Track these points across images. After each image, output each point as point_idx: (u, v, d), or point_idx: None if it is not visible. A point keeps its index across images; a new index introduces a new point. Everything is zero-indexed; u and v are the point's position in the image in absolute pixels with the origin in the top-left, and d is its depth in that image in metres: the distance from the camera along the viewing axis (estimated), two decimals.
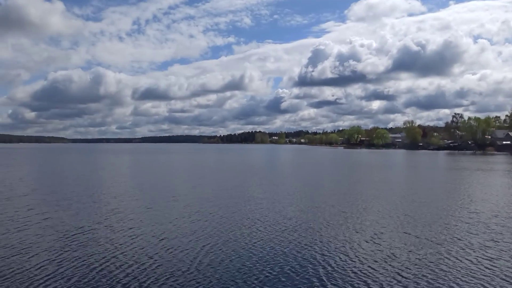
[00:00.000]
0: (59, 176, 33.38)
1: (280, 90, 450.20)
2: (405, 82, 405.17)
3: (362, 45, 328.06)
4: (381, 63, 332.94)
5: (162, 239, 11.92)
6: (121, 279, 8.53)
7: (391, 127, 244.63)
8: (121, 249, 10.88)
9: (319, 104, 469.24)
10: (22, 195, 21.06)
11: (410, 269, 9.16)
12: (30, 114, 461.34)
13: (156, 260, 9.87)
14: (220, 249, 10.85)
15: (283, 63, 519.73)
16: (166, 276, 8.76)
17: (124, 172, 39.41)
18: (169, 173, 37.66)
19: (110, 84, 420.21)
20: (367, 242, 11.61)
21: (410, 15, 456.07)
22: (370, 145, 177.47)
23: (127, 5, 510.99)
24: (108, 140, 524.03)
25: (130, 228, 13.34)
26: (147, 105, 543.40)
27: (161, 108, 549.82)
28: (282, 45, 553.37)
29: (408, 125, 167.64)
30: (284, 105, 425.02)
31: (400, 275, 8.75)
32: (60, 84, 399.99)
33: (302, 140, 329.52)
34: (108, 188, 24.67)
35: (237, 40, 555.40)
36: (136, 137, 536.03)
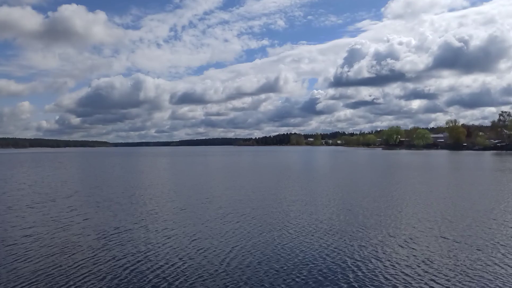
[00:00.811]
0: (101, 179, 34.89)
1: (316, 91, 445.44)
2: (447, 80, 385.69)
3: (400, 43, 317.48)
4: (421, 61, 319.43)
5: (194, 240, 12.14)
6: (152, 279, 8.78)
7: (433, 127, 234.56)
8: (154, 249, 11.19)
9: (356, 105, 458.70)
10: (65, 197, 22.21)
11: (445, 275, 8.73)
12: (75, 120, 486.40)
13: (186, 261, 10.07)
14: (250, 251, 10.88)
15: (317, 64, 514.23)
16: (195, 276, 8.91)
17: (161, 174, 40.53)
18: (204, 175, 38.28)
19: (149, 90, 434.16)
20: (401, 246, 11.21)
21: (451, 10, 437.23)
22: (410, 146, 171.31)
23: (164, 12, 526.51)
24: (147, 144, 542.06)
25: (164, 229, 13.70)
26: (184, 109, 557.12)
27: (197, 111, 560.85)
28: (316, 46, 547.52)
29: (451, 124, 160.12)
30: (319, 106, 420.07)
31: (434, 281, 8.37)
32: (103, 90, 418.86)
33: (339, 142, 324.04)
34: (146, 190, 25.46)
35: (271, 43, 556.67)
36: (174, 140, 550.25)
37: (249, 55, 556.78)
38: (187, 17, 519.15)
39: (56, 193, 24.07)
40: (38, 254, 10.77)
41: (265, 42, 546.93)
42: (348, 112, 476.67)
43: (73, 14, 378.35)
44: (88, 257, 10.43)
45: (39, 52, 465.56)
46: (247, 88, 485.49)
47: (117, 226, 14.28)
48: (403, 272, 8.99)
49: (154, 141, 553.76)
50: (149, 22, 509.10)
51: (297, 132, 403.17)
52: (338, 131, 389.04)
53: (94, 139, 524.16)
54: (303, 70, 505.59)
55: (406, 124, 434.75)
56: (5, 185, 29.50)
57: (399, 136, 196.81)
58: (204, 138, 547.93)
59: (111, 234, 13.01)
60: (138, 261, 10.07)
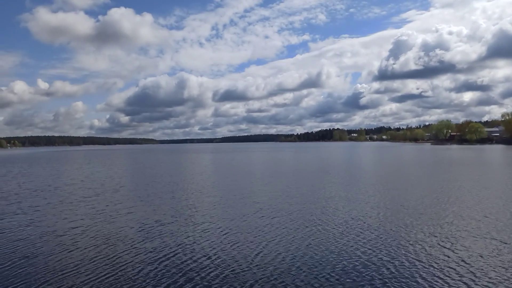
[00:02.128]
0: (145, 174, 36.36)
1: (359, 85, 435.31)
2: (502, 71, 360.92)
3: (450, 33, 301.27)
4: (473, 51, 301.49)
5: (229, 234, 12.31)
6: (187, 271, 9.05)
7: (487, 120, 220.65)
8: (190, 242, 11.50)
9: (402, 98, 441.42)
10: (112, 191, 23.39)
11: (488, 277, 8.20)
12: (124, 118, 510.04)
13: (219, 254, 10.25)
14: (284, 246, 10.86)
15: (360, 58, 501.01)
16: (227, 269, 9.06)
17: (203, 170, 41.40)
18: (244, 171, 38.65)
19: (193, 88, 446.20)
20: (442, 246, 10.66)
21: None
22: (461, 140, 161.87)
23: (205, 12, 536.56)
24: (191, 141, 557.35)
25: (202, 223, 14.03)
26: (226, 106, 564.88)
27: (239, 108, 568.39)
28: (359, 39, 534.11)
29: (507, 117, 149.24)
30: (363, 100, 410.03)
31: (475, 283, 7.88)
32: (150, 89, 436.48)
33: (384, 137, 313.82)
34: (187, 185, 26.18)
35: (312, 38, 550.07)
36: (217, 137, 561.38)
37: (290, 51, 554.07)
38: (228, 16, 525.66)
39: (103, 188, 25.40)
40: (83, 245, 11.45)
41: (306, 37, 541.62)
42: (394, 106, 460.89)
43: (122, 17, 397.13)
44: (128, 249, 10.93)
45: (91, 55, 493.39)
46: (288, 84, 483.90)
47: (157, 219, 14.83)
48: (442, 273, 8.56)
49: (198, 138, 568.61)
50: (191, 22, 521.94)
51: (340, 128, 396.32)
52: (383, 126, 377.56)
53: (142, 137, 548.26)
54: (346, 64, 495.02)
55: (457, 117, 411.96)
56: (59, 180, 31.60)
57: (449, 131, 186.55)
58: (246, 134, 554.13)
59: (151, 227, 13.53)
60: (175, 254, 10.40)
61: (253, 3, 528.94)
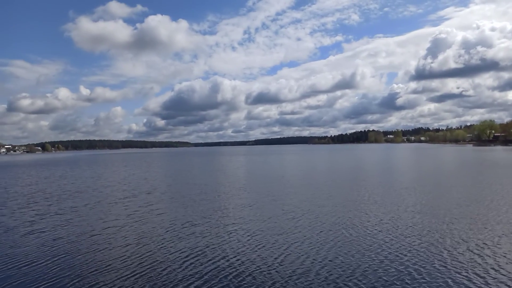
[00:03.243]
0: (178, 176, 37.12)
1: (395, 86, 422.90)
2: None
3: (493, 29, 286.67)
4: None
5: (255, 235, 12.32)
6: (213, 269, 9.13)
7: None
8: (217, 243, 11.61)
9: (441, 98, 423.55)
10: (145, 193, 24.04)
11: None
12: (160, 122, 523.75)
13: (245, 255, 10.28)
14: (306, 249, 10.70)
15: (396, 57, 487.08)
16: (251, 270, 9.04)
17: (235, 172, 41.68)
18: (276, 173, 38.49)
19: (226, 91, 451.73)
20: (479, 252, 10.10)
21: None
22: (506, 141, 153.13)
23: (238, 16, 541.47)
24: (225, 144, 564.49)
25: (230, 224, 14.12)
26: (259, 109, 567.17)
27: (272, 111, 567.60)
28: (394, 38, 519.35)
29: None
30: (400, 101, 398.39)
31: None
32: (184, 94, 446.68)
33: (422, 138, 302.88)
34: (219, 187, 26.44)
35: (346, 38, 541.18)
36: (250, 139, 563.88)
37: (323, 52, 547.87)
38: (260, 19, 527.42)
39: (138, 190, 26.17)
40: (116, 244, 11.84)
41: (339, 38, 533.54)
42: (433, 106, 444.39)
43: (159, 24, 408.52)
44: (159, 248, 11.19)
45: (129, 61, 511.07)
46: (321, 85, 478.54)
47: (188, 220, 15.07)
48: (469, 280, 8.09)
49: (231, 140, 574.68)
50: (224, 27, 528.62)
51: (375, 129, 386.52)
52: (421, 127, 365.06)
53: (177, 140, 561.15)
54: (381, 64, 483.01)
55: (501, 117, 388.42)
56: (97, 182, 32.91)
57: (493, 131, 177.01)
58: (279, 137, 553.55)
59: (182, 228, 13.76)
60: (203, 254, 10.53)
61: (285, 6, 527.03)
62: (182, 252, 10.73)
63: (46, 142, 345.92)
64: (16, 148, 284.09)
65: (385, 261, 9.53)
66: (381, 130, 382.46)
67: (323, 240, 11.66)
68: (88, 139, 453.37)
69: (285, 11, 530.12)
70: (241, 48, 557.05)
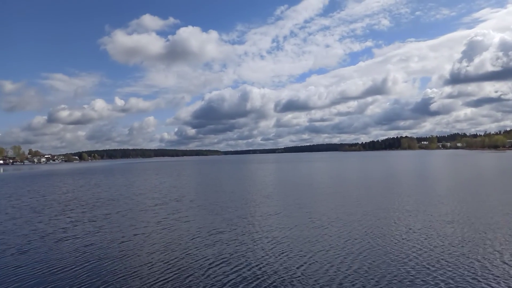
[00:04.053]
0: (207, 184, 37.58)
1: (429, 91, 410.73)
2: None
3: None
4: None
5: (282, 243, 12.28)
6: (235, 277, 9.16)
7: None
8: (243, 250, 11.65)
9: (478, 103, 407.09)
10: (174, 200, 24.51)
11: None
12: (191, 131, 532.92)
13: (266, 262, 10.25)
14: (337, 259, 10.54)
15: (429, 62, 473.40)
16: (273, 278, 9.01)
17: (264, 180, 41.69)
18: (304, 181, 38.18)
19: (255, 100, 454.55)
20: (509, 264, 9.58)
21: None
22: None
23: (266, 25, 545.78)
24: (254, 151, 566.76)
25: (258, 232, 14.15)
26: (288, 116, 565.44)
27: (301, 118, 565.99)
28: (426, 42, 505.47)
29: None
30: (434, 106, 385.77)
31: None
32: (214, 103, 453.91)
33: (459, 144, 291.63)
34: (247, 194, 26.54)
35: (376, 44, 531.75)
36: (279, 147, 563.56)
37: (353, 58, 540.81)
38: (288, 27, 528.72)
39: (168, 197, 26.73)
40: (145, 250, 12.17)
41: (369, 43, 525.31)
42: (469, 111, 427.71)
43: (190, 36, 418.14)
44: (184, 255, 11.40)
45: (161, 72, 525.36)
46: (352, 91, 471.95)
47: (214, 227, 15.24)
48: None
49: (260, 148, 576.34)
50: (253, 36, 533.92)
51: (408, 135, 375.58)
52: (457, 133, 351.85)
53: (207, 148, 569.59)
54: (413, 69, 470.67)
55: None
56: (129, 190, 33.89)
57: None
58: (308, 144, 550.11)
59: (207, 235, 13.93)
60: (226, 261, 10.62)
61: (313, 13, 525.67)
62: (207, 260, 10.85)
63: (83, 152, 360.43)
64: (55, 157, 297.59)
65: (412, 271, 9.24)
66: (415, 137, 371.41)
67: (349, 249, 11.45)
68: (122, 148, 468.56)
69: (313, 18, 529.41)
70: (270, 56, 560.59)
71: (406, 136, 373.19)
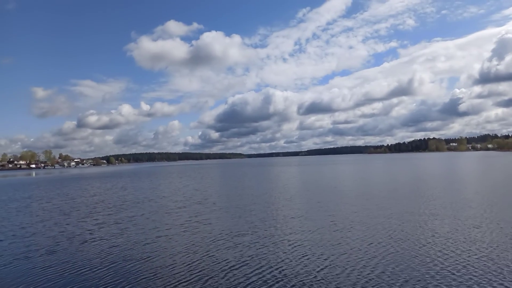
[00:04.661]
0: (229, 187, 37.78)
1: (457, 91, 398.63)
2: None
3: None
4: None
5: (301, 246, 12.20)
6: (257, 282, 9.15)
7: None
8: (263, 253, 11.64)
9: (510, 102, 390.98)
10: (196, 203, 24.77)
11: None
12: (214, 134, 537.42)
13: (284, 266, 10.18)
14: (358, 263, 10.37)
15: (456, 61, 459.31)
16: (295, 282, 8.95)
17: (286, 183, 41.51)
18: (328, 184, 37.76)
19: (278, 102, 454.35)
20: None
21: None
22: None
23: (288, 28, 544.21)
24: (277, 154, 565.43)
25: (278, 235, 14.11)
26: (312, 119, 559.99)
27: (325, 120, 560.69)
28: (453, 41, 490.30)
29: None
30: (462, 106, 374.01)
31: None
32: (237, 106, 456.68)
33: (490, 146, 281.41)
34: (269, 197, 26.49)
35: (400, 44, 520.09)
36: (302, 150, 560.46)
37: (377, 59, 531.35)
38: (311, 30, 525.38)
39: (190, 200, 27.06)
40: (166, 253, 12.38)
41: (394, 44, 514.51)
42: (500, 111, 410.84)
43: (213, 41, 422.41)
44: (205, 257, 11.53)
45: (185, 77, 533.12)
46: (376, 93, 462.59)
47: (235, 230, 15.31)
48: None
49: (284, 151, 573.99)
50: (275, 39, 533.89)
51: (436, 137, 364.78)
52: (488, 134, 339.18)
53: (231, 151, 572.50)
54: (440, 68, 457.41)
55: None
56: (153, 193, 34.53)
57: None
58: (332, 146, 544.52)
59: (228, 237, 14.02)
60: (246, 263, 10.66)
61: (336, 15, 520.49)
62: (228, 262, 10.92)
63: (110, 156, 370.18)
64: (84, 161, 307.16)
65: (437, 277, 8.98)
66: (443, 138, 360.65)
67: (372, 253, 11.25)
68: (148, 152, 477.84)
69: (336, 20, 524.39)
70: (292, 59, 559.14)
71: (433, 138, 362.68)
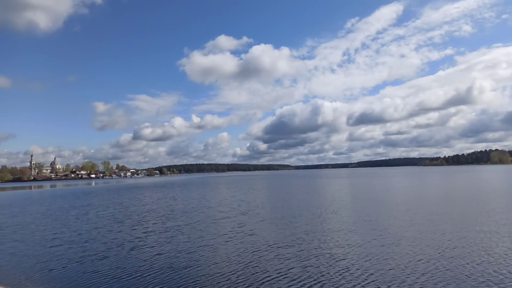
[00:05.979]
0: (276, 198, 37.67)
1: None
2: None
3: None
4: None
5: (340, 260, 11.84)
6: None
7: None
8: (300, 266, 11.45)
9: None
10: (240, 214, 24.96)
11: None
12: (262, 146, 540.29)
13: (324, 281, 9.91)
14: (403, 281, 9.85)
15: None
16: None
17: (334, 195, 40.63)
18: (378, 197, 36.38)
19: (327, 113, 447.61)
20: None
21: None
22: None
23: (336, 39, 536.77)
24: (326, 166, 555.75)
25: (321, 247, 13.81)
26: (362, 130, 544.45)
27: (375, 131, 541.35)
28: None
29: None
30: None
31: None
32: (285, 118, 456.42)
33: None
34: (314, 209, 26.05)
35: (457, 51, 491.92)
36: (352, 161, 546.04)
37: (432, 67, 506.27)
38: (360, 40, 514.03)
39: (236, 210, 27.36)
40: (209, 261, 12.61)
41: (449, 51, 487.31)
42: None
43: (262, 53, 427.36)
44: (247, 267, 11.57)
45: (234, 90, 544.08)
46: (431, 102, 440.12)
47: (278, 241, 15.26)
48: None
49: (332, 163, 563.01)
50: (322, 50, 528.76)
51: (498, 148, 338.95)
52: None
53: (278, 163, 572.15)
54: (501, 76, 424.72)
55: None
56: (201, 203, 35.36)
57: None
58: (384, 158, 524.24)
59: (271, 249, 13.98)
60: (288, 275, 10.57)
61: (386, 24, 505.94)
62: (270, 274, 10.90)
63: (163, 166, 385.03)
64: (139, 171, 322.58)
65: None
66: (507, 150, 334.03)
67: (420, 270, 10.67)
68: (198, 163, 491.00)
69: (386, 29, 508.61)
70: (340, 69, 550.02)
71: (496, 149, 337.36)
